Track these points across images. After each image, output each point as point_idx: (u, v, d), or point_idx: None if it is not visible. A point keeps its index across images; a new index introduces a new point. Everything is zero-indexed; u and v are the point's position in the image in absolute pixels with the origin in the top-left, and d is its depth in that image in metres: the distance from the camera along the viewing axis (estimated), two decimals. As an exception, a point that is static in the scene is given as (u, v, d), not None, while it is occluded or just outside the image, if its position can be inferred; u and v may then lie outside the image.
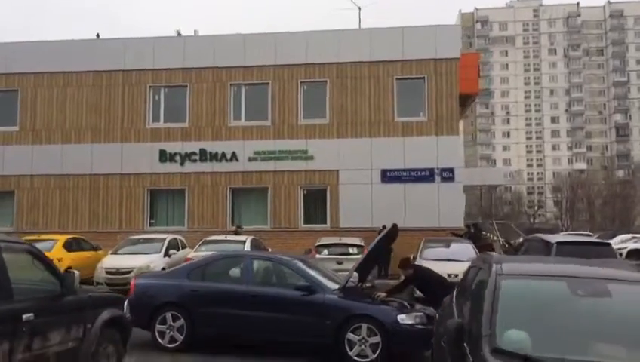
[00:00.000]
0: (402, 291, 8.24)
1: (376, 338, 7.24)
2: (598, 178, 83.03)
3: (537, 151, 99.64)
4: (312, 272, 8.04)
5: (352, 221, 19.26)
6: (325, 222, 19.89)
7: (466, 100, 23.91)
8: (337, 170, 20.07)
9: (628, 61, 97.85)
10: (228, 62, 20.78)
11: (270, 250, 15.60)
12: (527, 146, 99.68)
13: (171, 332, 7.76)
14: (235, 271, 8.22)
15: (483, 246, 20.49)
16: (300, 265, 8.15)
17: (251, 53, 20.66)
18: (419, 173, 19.75)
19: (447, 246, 14.53)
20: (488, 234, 24.46)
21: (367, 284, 11.63)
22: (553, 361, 3.13)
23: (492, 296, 3.66)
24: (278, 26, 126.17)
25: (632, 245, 25.75)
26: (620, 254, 24.82)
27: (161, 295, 7.96)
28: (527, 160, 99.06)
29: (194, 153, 20.45)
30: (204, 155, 20.42)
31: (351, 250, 14.62)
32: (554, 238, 12.18)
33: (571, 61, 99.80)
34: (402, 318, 7.29)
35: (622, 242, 27.78)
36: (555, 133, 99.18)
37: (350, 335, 7.30)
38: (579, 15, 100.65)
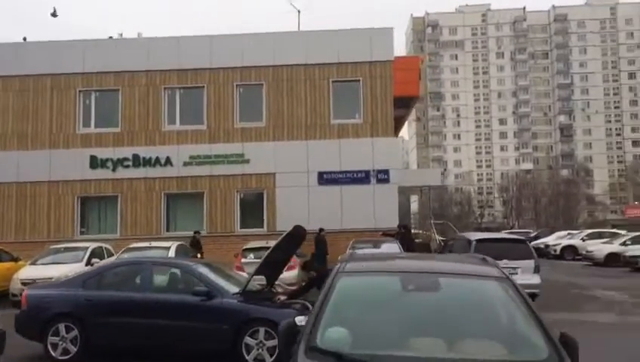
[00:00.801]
0: (306, 293, 8.17)
1: (274, 341, 7.14)
2: (544, 177, 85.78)
3: (486, 153, 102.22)
4: (212, 277, 7.87)
5: (289, 224, 18.50)
6: (262, 226, 19.75)
7: (408, 103, 24.20)
8: (274, 174, 19.98)
9: (571, 64, 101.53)
10: (162, 65, 20.41)
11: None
12: (476, 148, 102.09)
13: (64, 344, 7.45)
14: (133, 279, 7.97)
15: (420, 245, 20.83)
16: (201, 269, 7.97)
17: (186, 56, 20.35)
18: (355, 175, 19.86)
19: (375, 246, 14.61)
20: (426, 233, 24.82)
21: (294, 287, 11.55)
22: (366, 357, 3.09)
23: (325, 293, 3.62)
24: (240, 28, 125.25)
25: (565, 241, 26.59)
26: (555, 250, 25.69)
27: (53, 306, 7.63)
28: (477, 161, 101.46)
29: (126, 159, 19.97)
30: (137, 161, 19.98)
31: (277, 254, 14.41)
32: (474, 236, 12.49)
33: (518, 64, 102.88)
34: (300, 320, 7.20)
35: (558, 238, 28.67)
36: (503, 135, 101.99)
37: (248, 339, 7.18)
38: (525, 19, 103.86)
